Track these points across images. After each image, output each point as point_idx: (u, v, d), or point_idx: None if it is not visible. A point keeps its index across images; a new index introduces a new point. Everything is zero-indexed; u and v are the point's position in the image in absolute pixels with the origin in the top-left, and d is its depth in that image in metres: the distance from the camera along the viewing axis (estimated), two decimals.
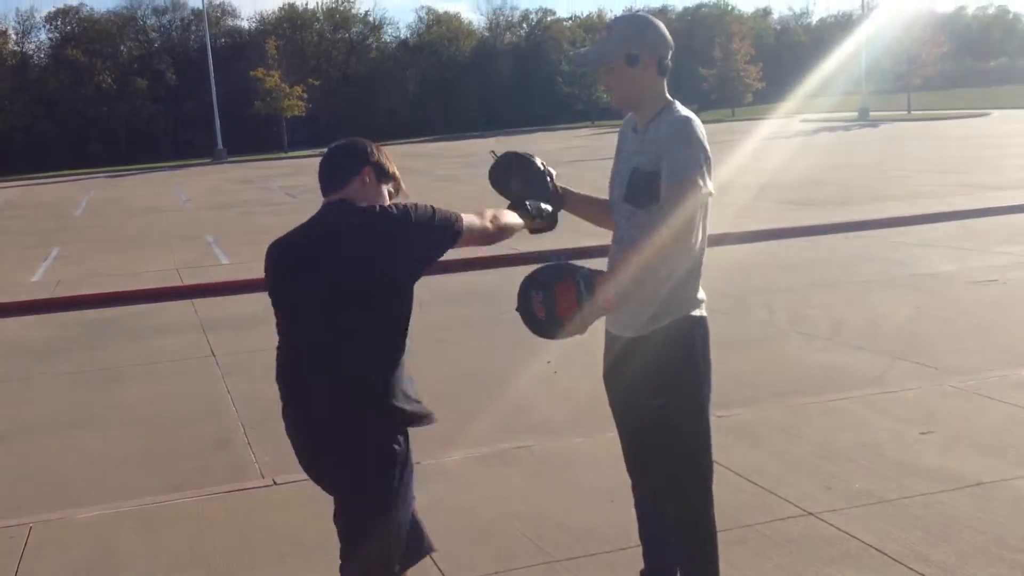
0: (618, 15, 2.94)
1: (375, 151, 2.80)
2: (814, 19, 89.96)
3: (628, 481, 3.93)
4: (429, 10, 78.12)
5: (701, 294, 2.78)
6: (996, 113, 43.98)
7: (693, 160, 2.60)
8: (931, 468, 4.26)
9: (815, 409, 5.25)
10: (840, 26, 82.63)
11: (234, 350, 7.87)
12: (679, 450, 2.76)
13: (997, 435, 4.65)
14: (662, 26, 2.77)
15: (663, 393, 2.71)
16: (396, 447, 2.63)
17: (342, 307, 2.57)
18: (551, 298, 2.62)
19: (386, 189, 2.79)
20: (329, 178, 2.76)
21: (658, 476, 2.81)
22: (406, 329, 2.64)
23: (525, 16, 79.36)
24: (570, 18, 79.60)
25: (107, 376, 7.38)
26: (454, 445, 5.03)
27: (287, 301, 2.72)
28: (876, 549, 3.52)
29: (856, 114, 45.77)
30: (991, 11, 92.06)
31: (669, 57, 2.75)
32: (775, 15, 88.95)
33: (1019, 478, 4.08)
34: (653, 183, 2.64)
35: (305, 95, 53.64)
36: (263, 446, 5.34)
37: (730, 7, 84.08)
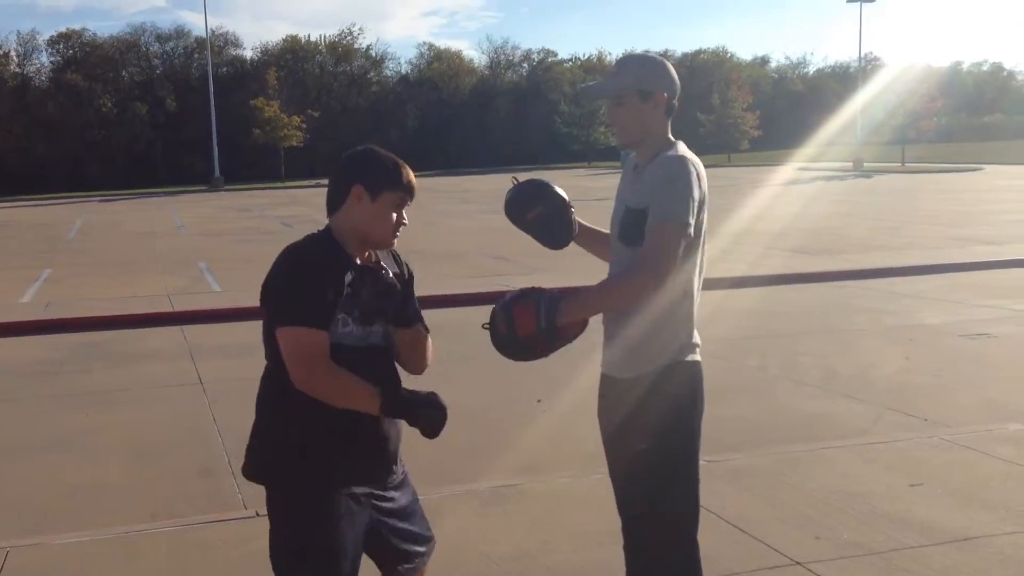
0: (628, 54, 2.94)
1: (373, 162, 2.53)
2: (811, 69, 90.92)
3: (617, 523, 3.89)
4: (431, 46, 78.74)
5: (695, 338, 2.76)
6: (988, 168, 44.42)
7: (679, 200, 2.59)
8: (919, 521, 4.23)
9: (805, 457, 5.22)
10: (837, 77, 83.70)
11: (222, 378, 7.82)
12: (661, 496, 2.72)
13: (985, 489, 4.62)
14: (671, 68, 2.79)
15: (649, 438, 2.69)
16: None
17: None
18: (510, 318, 2.64)
19: (391, 210, 2.52)
20: (327, 200, 2.58)
21: (640, 520, 2.78)
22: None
23: (526, 55, 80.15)
24: (570, 59, 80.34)
25: (93, 400, 7.31)
26: (437, 481, 4.98)
27: None
28: None
29: (851, 164, 46.18)
30: (985, 68, 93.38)
31: (676, 99, 2.77)
32: (773, 63, 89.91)
33: (1006, 534, 4.05)
34: (642, 222, 2.64)
35: (304, 125, 53.91)
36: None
37: (729, 54, 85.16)
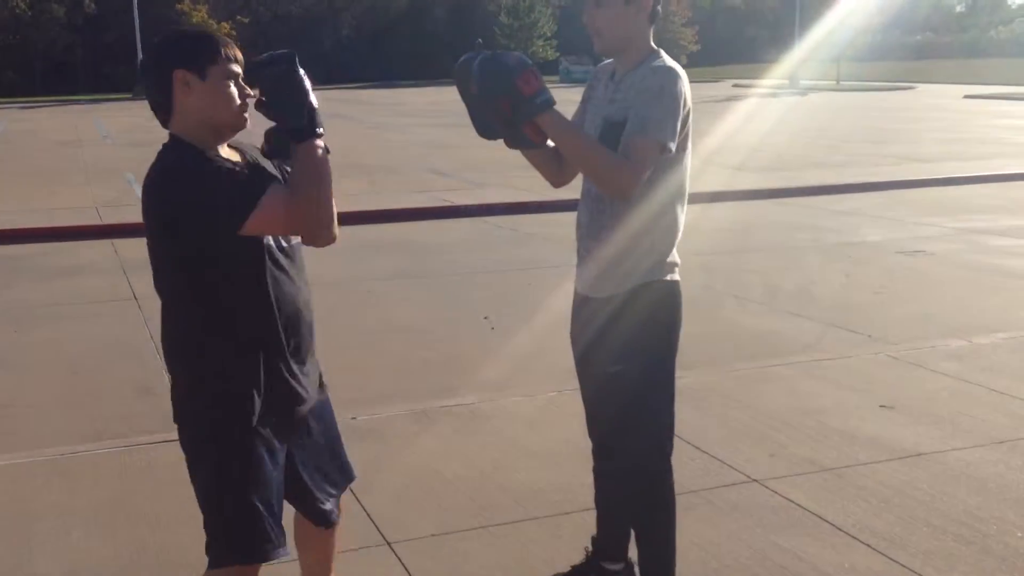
0: None
1: (181, 40, 2.23)
2: None
3: (570, 441, 3.86)
4: None
5: (674, 257, 2.67)
6: (920, 87, 45.01)
7: (663, 117, 2.46)
8: (871, 437, 4.27)
9: (755, 374, 5.24)
10: None
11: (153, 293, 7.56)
12: (633, 420, 2.66)
13: (932, 405, 4.69)
14: None
15: (623, 359, 2.61)
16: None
17: None
18: (511, 76, 2.37)
19: (228, 85, 2.19)
20: (155, 111, 2.28)
21: (616, 442, 2.72)
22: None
23: None
24: None
25: (19, 317, 7.01)
26: (388, 400, 4.89)
27: None
28: (820, 517, 3.50)
29: (787, 82, 46.32)
30: None
31: (660, 4, 2.61)
32: None
33: (956, 449, 4.12)
34: (621, 132, 2.50)
35: (234, 32, 52.03)
36: None
37: None
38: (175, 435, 4.36)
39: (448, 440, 4.38)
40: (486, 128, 2.57)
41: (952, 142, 19.14)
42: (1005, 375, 5.11)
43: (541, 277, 7.67)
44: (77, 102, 41.93)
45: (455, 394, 5.00)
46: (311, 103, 2.16)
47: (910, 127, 23.24)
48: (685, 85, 2.52)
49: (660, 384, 2.67)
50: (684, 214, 2.67)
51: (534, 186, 11.93)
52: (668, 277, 2.64)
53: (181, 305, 2.29)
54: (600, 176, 2.47)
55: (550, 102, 2.41)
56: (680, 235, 2.69)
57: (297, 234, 2.24)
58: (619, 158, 2.44)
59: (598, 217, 2.61)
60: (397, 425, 4.56)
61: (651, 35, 2.63)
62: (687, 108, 2.52)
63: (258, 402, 2.27)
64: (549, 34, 65.12)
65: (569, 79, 54.29)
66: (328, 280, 6.98)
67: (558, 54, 62.72)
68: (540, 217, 10.90)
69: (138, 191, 12.29)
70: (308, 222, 2.16)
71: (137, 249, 9.56)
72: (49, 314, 7.07)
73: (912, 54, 71.35)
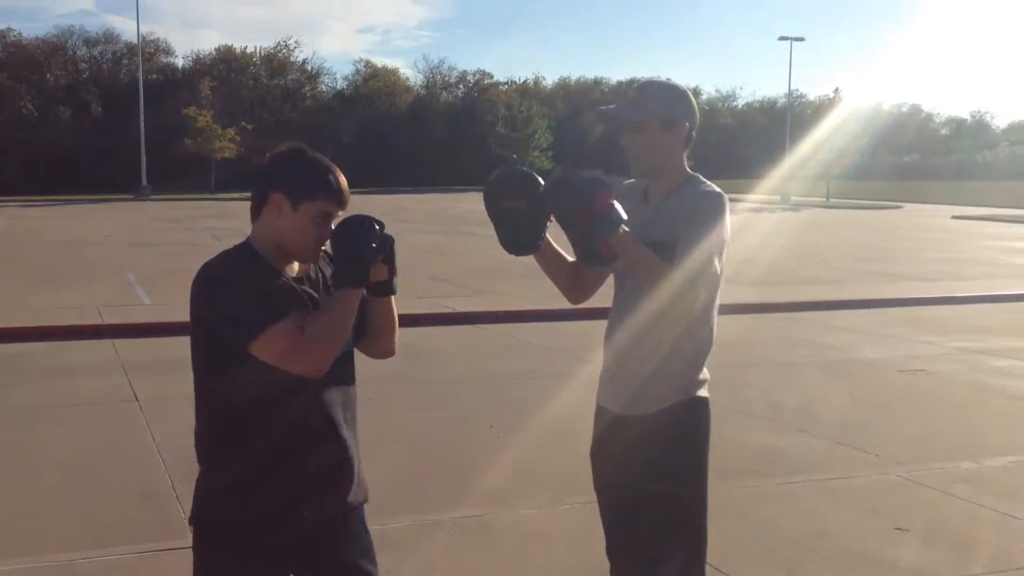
0: (650, 80, 2.84)
1: (297, 165, 2.21)
2: (740, 102, 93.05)
3: (587, 559, 3.79)
4: (367, 63, 78.35)
5: (705, 374, 2.70)
6: (908, 206, 45.90)
7: (717, 238, 2.53)
8: (890, 562, 4.22)
9: (766, 492, 5.21)
10: (765, 111, 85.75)
11: (160, 396, 7.52)
12: (675, 538, 2.64)
13: (949, 529, 4.66)
14: (692, 97, 2.73)
15: (667, 478, 2.60)
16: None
17: None
18: (590, 192, 2.38)
19: (313, 222, 2.20)
20: (251, 206, 2.29)
21: (653, 567, 2.68)
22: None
23: (463, 76, 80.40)
24: (507, 82, 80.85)
25: (19, 418, 6.95)
26: (397, 510, 4.82)
27: None
28: None
29: (779, 198, 47.23)
30: (905, 109, 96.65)
31: (695, 130, 2.71)
32: (704, 95, 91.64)
33: (975, 575, 4.07)
34: (666, 253, 2.55)
35: (238, 138, 53.12)
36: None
37: None
38: (176, 543, 4.33)
39: (458, 554, 4.31)
40: (513, 242, 2.60)
41: (944, 261, 19.43)
42: (1018, 500, 5.09)
43: (542, 386, 7.67)
44: (79, 202, 42.41)
45: (462, 504, 4.93)
46: (365, 257, 2.19)
47: (901, 245, 23.62)
48: (728, 209, 2.60)
49: (701, 502, 2.66)
50: (714, 334, 2.71)
51: (532, 295, 12.05)
52: (701, 393, 2.67)
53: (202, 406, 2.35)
54: (664, 300, 2.51)
55: (622, 219, 2.44)
56: (711, 352, 2.72)
57: (286, 368, 2.15)
58: (683, 282, 2.48)
59: (639, 334, 2.63)
60: (406, 536, 4.49)
61: (685, 158, 2.72)
62: (729, 231, 2.60)
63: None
64: (545, 145, 66.59)
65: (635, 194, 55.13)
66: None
67: (553, 164, 63.99)
68: (539, 326, 10.96)
69: (139, 291, 12.22)
70: (301, 363, 2.14)
71: (138, 350, 9.59)
72: (49, 415, 7.01)
73: (899, 174, 72.94)
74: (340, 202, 2.24)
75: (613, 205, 2.41)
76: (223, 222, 28.32)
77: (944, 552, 4.35)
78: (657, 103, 2.66)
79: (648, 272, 2.50)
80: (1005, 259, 20.32)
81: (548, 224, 2.60)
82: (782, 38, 53.56)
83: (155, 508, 5.01)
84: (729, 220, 2.59)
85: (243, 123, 55.46)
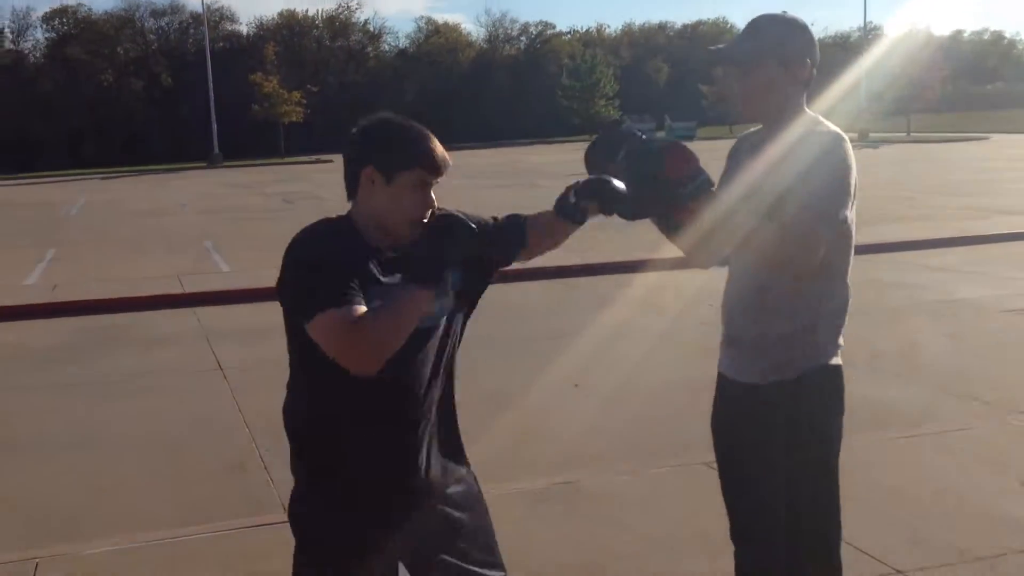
0: (764, 14, 2.50)
1: (387, 136, 2.07)
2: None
3: (697, 526, 3.60)
4: (428, 20, 78.22)
5: (840, 339, 2.45)
6: (995, 137, 44.04)
7: (836, 191, 2.26)
8: (1019, 520, 3.92)
9: (877, 448, 4.91)
10: (840, 46, 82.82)
11: (243, 364, 7.50)
12: (811, 517, 2.42)
13: None
14: (812, 33, 2.44)
15: (794, 455, 2.38)
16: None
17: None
18: (661, 156, 2.17)
19: (412, 193, 2.05)
20: (346, 185, 2.16)
21: (829, 536, 2.48)
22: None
23: (524, 29, 79.51)
24: (569, 32, 79.68)
25: (110, 389, 6.99)
26: (490, 477, 4.66)
27: None
28: None
29: (856, 135, 45.76)
30: (986, 36, 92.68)
31: (816, 68, 2.42)
32: None
33: None
34: (783, 205, 2.29)
35: (304, 101, 53.39)
36: (282, 472, 4.98)
37: (729, 25, 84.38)
38: (269, 518, 4.25)
39: (559, 525, 4.14)
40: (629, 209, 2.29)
41: None
42: None
43: (626, 341, 7.44)
44: (155, 172, 43.21)
45: (558, 470, 4.76)
46: (445, 258, 1.99)
47: (990, 178, 22.59)
48: (850, 151, 2.32)
49: (824, 478, 2.44)
50: (849, 290, 2.45)
51: (608, 248, 11.78)
52: (834, 361, 2.42)
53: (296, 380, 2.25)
54: (777, 256, 2.25)
55: (706, 185, 2.18)
56: (847, 314, 2.46)
57: (334, 357, 1.99)
58: (796, 235, 2.23)
59: (761, 299, 2.39)
60: (499, 505, 4.33)
61: (805, 100, 2.43)
62: (855, 176, 2.31)
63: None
64: (611, 94, 65.54)
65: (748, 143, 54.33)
66: None
67: (620, 113, 63.05)
68: (618, 278, 10.70)
69: (216, 258, 12.28)
70: (349, 355, 1.97)
71: (219, 317, 9.62)
72: (139, 386, 7.03)
73: (985, 104, 70.05)
74: (436, 169, 2.08)
75: (686, 172, 2.15)
76: (293, 186, 28.54)
77: None
78: (773, 40, 2.37)
79: (756, 239, 2.24)
80: None
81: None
82: None
83: (245, 482, 4.95)
84: (853, 164, 2.30)
85: (308, 86, 55.64)
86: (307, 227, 2.13)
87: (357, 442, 2.13)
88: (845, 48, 76.96)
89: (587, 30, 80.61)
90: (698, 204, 2.19)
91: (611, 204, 2.13)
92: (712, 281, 9.24)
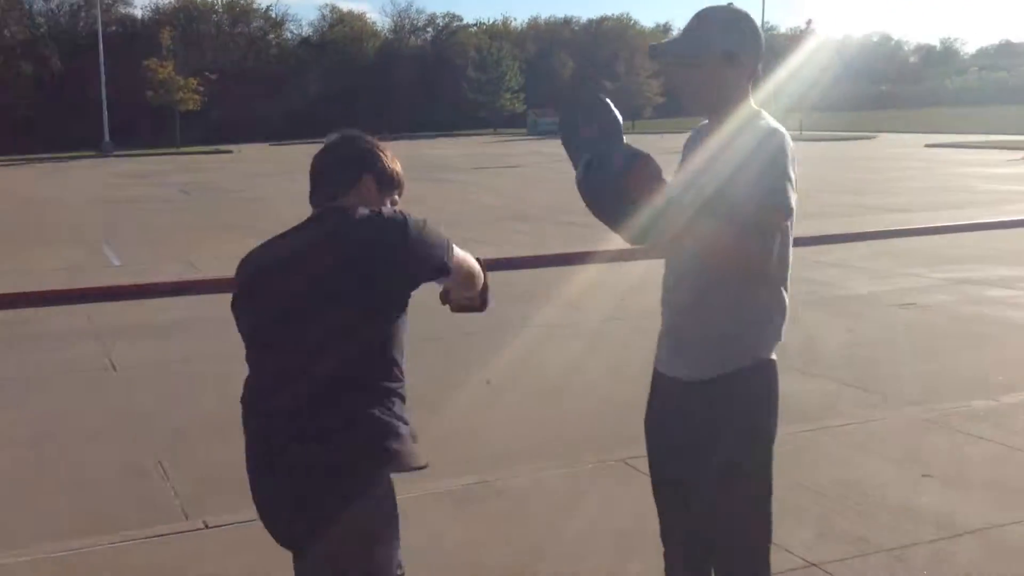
0: (709, 6, 2.46)
1: (378, 154, 2.39)
2: None
3: (622, 522, 3.58)
4: (333, 8, 76.72)
5: (782, 334, 2.45)
6: (881, 136, 45.77)
7: (777, 183, 2.26)
8: (923, 511, 4.03)
9: (782, 441, 4.99)
10: None
11: (137, 362, 7.22)
12: (741, 517, 2.42)
13: (979, 473, 4.48)
14: (756, 24, 2.42)
15: (744, 446, 2.38)
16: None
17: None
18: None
19: (389, 200, 2.40)
20: (322, 186, 2.36)
21: (738, 543, 2.46)
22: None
23: (431, 20, 79.02)
24: (476, 24, 79.54)
25: None
26: (408, 478, 4.56)
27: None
28: None
29: None
30: (875, 38, 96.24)
31: (760, 62, 2.40)
32: (674, 31, 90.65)
33: (1018, 523, 3.89)
34: (726, 200, 2.27)
35: (201, 88, 51.88)
36: (183, 475, 4.80)
37: (632, 21, 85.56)
38: (175, 526, 4.07)
39: (480, 525, 4.08)
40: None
41: (923, 191, 19.30)
42: None
43: (541, 338, 7.44)
44: (43, 160, 41.41)
45: (477, 470, 4.69)
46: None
47: (879, 176, 23.48)
48: (790, 144, 2.32)
49: (766, 476, 2.44)
50: (789, 284, 2.46)
51: (521, 242, 11.78)
52: (771, 355, 2.42)
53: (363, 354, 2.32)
54: (727, 254, 2.24)
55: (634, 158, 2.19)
56: (788, 307, 2.47)
57: (473, 286, 2.50)
58: (743, 232, 2.22)
59: (704, 295, 2.37)
60: (417, 508, 4.25)
61: (750, 94, 2.42)
62: (794, 170, 2.31)
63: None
64: (517, 87, 65.68)
65: (536, 132, 54.63)
66: None
67: (525, 107, 63.23)
68: (532, 273, 10.71)
69: (108, 253, 11.69)
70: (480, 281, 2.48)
71: (111, 315, 9.23)
72: (26, 387, 6.68)
73: (871, 104, 72.73)
74: (400, 185, 2.46)
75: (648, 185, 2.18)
76: (192, 176, 27.70)
77: (979, 498, 4.17)
78: (718, 34, 2.35)
79: (702, 234, 2.24)
80: (981, 186, 20.24)
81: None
82: None
83: (146, 488, 4.74)
84: (791, 157, 2.30)
85: (206, 73, 54.05)
86: (385, 215, 2.27)
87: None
88: None
89: (493, 23, 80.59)
90: (649, 197, 2.16)
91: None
92: (625, 276, 9.34)
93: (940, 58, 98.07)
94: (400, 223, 2.22)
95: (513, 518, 4.14)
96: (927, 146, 37.19)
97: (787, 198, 2.26)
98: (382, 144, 2.43)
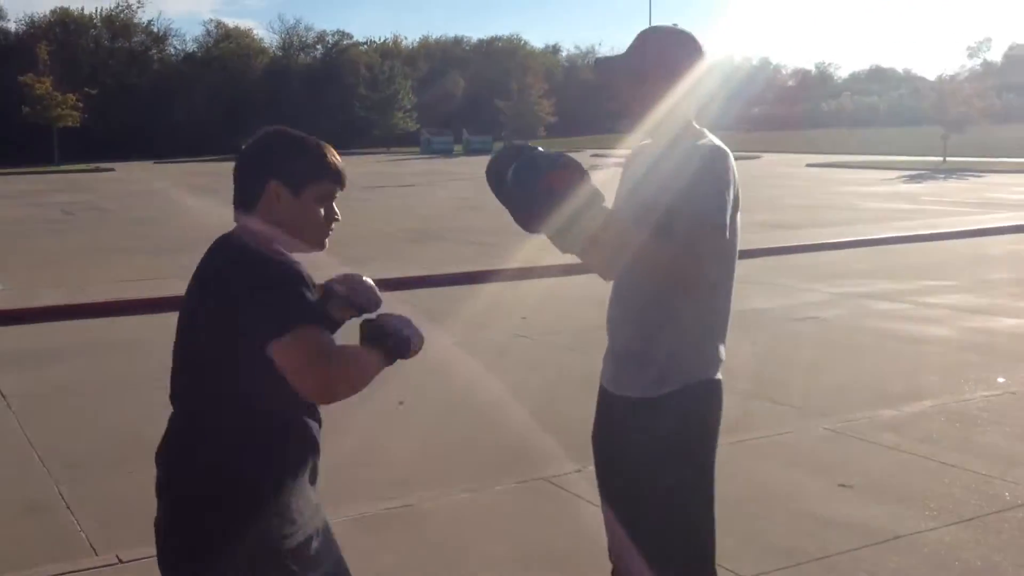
0: (653, 26, 2.52)
1: (290, 149, 2.08)
2: None
3: (542, 546, 3.55)
4: (219, 24, 75.20)
5: (721, 353, 2.46)
6: (765, 156, 47.45)
7: (718, 198, 2.28)
8: (842, 521, 4.14)
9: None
10: None
11: (28, 392, 6.83)
12: (683, 533, 2.41)
13: (891, 482, 4.63)
14: (701, 45, 2.44)
15: (673, 469, 2.37)
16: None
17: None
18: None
19: (319, 206, 2.08)
20: (235, 194, 2.10)
21: (653, 568, 2.44)
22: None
23: (320, 37, 78.25)
24: (366, 42, 79.15)
25: None
26: (324, 503, 4.44)
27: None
28: None
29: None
30: (755, 62, 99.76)
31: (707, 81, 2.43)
32: (564, 52, 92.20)
33: (931, 530, 4.03)
34: (669, 218, 2.29)
35: (80, 104, 49.99)
36: (87, 510, 4.55)
37: (523, 42, 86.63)
38: (82, 562, 3.85)
39: (400, 549, 3.99)
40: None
41: (811, 209, 20.05)
42: (947, 446, 5.12)
43: (449, 357, 7.37)
44: None
45: (395, 493, 4.59)
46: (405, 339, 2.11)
47: (766, 194, 24.27)
48: (731, 164, 2.35)
49: (707, 495, 2.44)
50: (731, 304, 2.47)
51: (424, 260, 11.68)
52: (715, 375, 2.43)
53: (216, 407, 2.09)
54: (662, 269, 2.24)
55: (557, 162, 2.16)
56: (728, 327, 2.48)
57: (303, 380, 1.95)
58: (680, 248, 2.22)
59: (642, 312, 2.38)
60: (344, 534, 4.13)
61: (693, 112, 2.45)
62: (736, 189, 2.34)
63: None
64: (409, 106, 65.54)
65: (430, 150, 54.59)
66: None
67: (418, 126, 63.12)
68: (433, 292, 10.63)
69: None
70: (322, 378, 1.95)
71: (2, 342, 8.72)
72: None
73: (752, 125, 75.33)
74: (341, 180, 2.13)
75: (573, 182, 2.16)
76: (74, 196, 26.58)
77: (893, 506, 4.30)
78: (660, 51, 2.38)
79: (639, 252, 2.24)
80: (861, 204, 21.16)
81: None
82: None
83: (48, 523, 4.47)
84: (733, 177, 2.33)
85: (86, 89, 52.11)
86: (232, 244, 2.03)
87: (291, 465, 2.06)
88: None
89: (384, 41, 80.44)
90: (595, 221, 2.15)
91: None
92: (528, 294, 9.36)
93: (816, 82, 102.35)
94: (230, 266, 1.99)
95: (433, 541, 4.06)
96: (808, 165, 38.73)
97: (723, 216, 2.28)
98: (301, 136, 2.11)
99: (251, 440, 2.00)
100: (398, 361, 2.10)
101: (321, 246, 2.14)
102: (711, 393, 2.42)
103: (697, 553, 2.46)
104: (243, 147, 2.15)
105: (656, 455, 2.38)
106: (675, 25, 2.49)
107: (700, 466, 2.44)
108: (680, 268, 2.23)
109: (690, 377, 2.38)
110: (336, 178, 2.10)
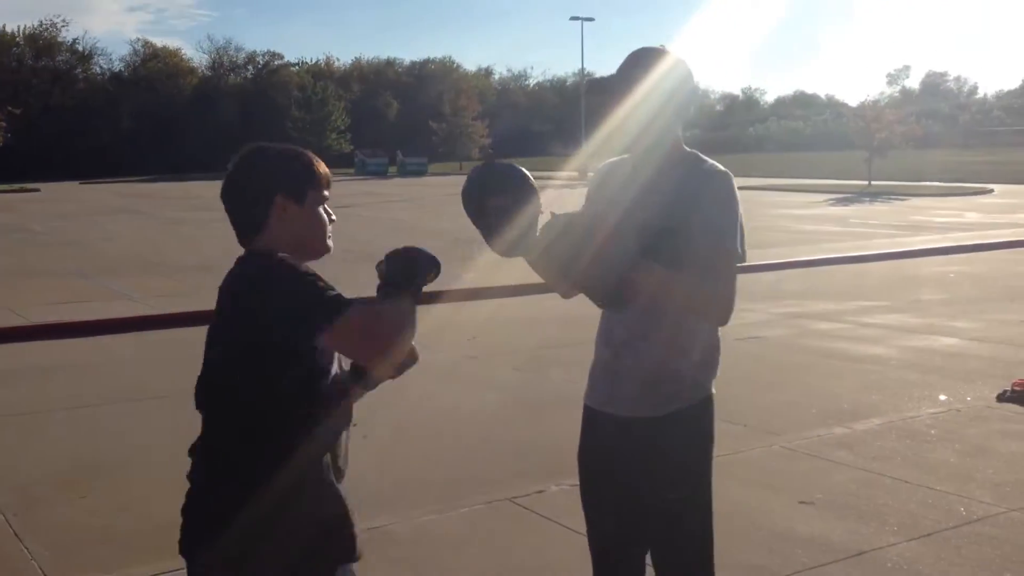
0: (643, 48, 2.52)
1: (283, 163, 2.11)
2: (531, 82, 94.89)
3: (503, 564, 3.52)
4: (146, 43, 73.85)
5: (717, 369, 2.50)
6: None
7: (732, 223, 2.32)
8: (806, 537, 4.21)
9: None
10: (556, 90, 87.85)
11: None
12: (694, 549, 2.44)
13: (849, 498, 4.72)
14: (690, 67, 2.48)
15: (683, 486, 2.39)
16: None
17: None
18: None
19: (320, 210, 2.13)
20: (239, 222, 2.11)
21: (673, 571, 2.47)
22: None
23: (251, 58, 77.45)
24: (298, 63, 78.62)
25: None
26: None
27: None
28: None
29: (577, 175, 48.44)
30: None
31: (694, 103, 2.47)
32: (496, 75, 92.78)
33: (891, 545, 4.12)
34: (671, 240, 2.31)
35: (3, 124, 48.64)
36: (36, 537, 4.39)
37: (455, 64, 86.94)
38: None
39: (372, 573, 3.92)
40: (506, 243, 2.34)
41: (748, 231, 20.40)
42: (900, 463, 5.25)
43: (403, 378, 7.30)
44: None
45: (364, 517, 4.51)
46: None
47: None
48: (736, 188, 2.40)
49: (710, 508, 2.47)
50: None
51: (354, 283, 11.52)
52: (713, 390, 2.47)
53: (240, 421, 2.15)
54: (697, 306, 2.26)
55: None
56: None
57: (366, 348, 2.00)
58: (718, 287, 2.29)
59: (645, 333, 2.40)
60: None
61: (681, 133, 2.48)
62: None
63: None
64: (343, 127, 65.18)
65: (365, 172, 54.29)
66: (161, 391, 6.32)
67: (352, 147, 62.80)
68: None
69: None
70: (383, 341, 1.98)
71: None
72: None
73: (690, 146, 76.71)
74: (329, 184, 2.17)
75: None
76: (3, 216, 25.76)
77: (854, 523, 4.39)
78: (653, 72, 2.41)
79: (694, 305, 2.34)
80: (795, 226, 21.63)
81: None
82: (573, 18, 55.13)
83: None
84: (738, 199, 2.38)
85: (8, 108, 50.71)
86: (258, 266, 2.03)
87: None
88: (562, 92, 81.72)
89: (316, 62, 79.96)
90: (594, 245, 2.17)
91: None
92: (474, 314, 9.34)
93: (743, 107, 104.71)
94: (256, 280, 2.03)
95: (405, 563, 4.02)
96: (741, 188, 39.40)
97: (743, 242, 2.32)
98: (285, 147, 2.16)
99: (261, 440, 2.06)
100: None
101: (328, 248, 2.18)
102: (708, 410, 2.47)
103: (708, 562, 2.49)
104: (229, 173, 2.12)
105: (654, 476, 2.40)
106: (663, 46, 2.53)
107: (704, 482, 2.49)
108: (719, 304, 2.31)
109: (694, 396, 2.43)
110: (327, 181, 2.16)
